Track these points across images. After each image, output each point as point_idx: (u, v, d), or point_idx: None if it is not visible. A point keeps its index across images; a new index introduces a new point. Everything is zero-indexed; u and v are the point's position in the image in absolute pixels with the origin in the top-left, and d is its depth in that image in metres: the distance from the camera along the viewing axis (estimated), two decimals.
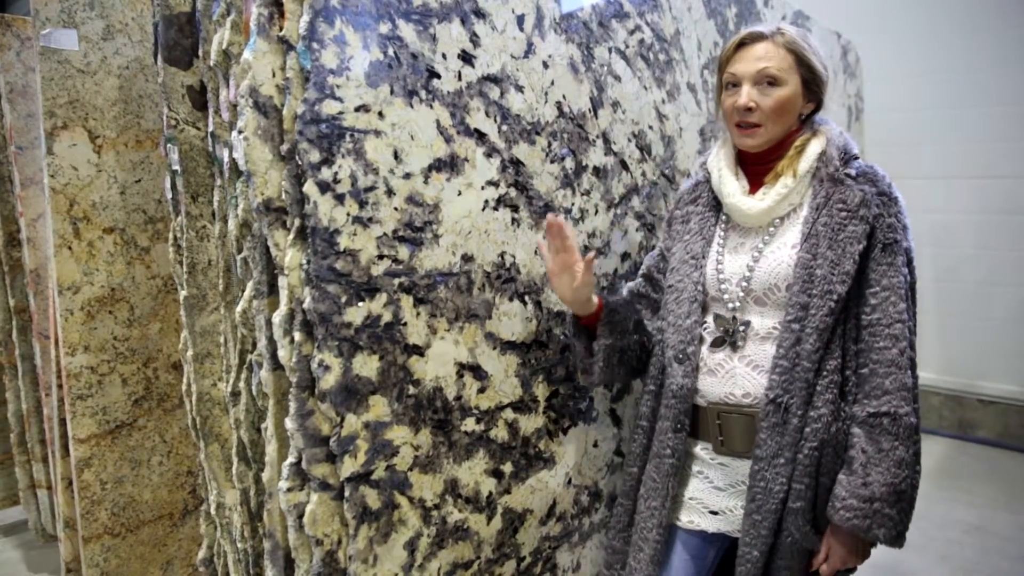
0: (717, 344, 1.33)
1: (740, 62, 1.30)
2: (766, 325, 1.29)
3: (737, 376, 1.31)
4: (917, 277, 1.29)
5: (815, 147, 1.30)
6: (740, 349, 1.31)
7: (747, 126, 1.30)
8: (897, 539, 1.20)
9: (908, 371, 1.21)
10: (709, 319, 1.36)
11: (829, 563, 1.25)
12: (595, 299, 1.42)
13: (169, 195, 1.59)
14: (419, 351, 1.31)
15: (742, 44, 1.31)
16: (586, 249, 1.66)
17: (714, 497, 1.36)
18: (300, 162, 1.14)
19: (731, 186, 1.35)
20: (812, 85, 1.31)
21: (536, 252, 1.52)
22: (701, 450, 1.38)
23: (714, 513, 1.35)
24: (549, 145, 1.53)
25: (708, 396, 1.33)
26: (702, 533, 1.37)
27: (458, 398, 1.39)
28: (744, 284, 1.31)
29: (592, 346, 1.45)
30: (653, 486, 1.38)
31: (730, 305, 1.32)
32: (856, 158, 1.31)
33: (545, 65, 1.52)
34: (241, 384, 1.41)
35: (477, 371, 1.42)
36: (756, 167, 1.36)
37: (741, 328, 1.31)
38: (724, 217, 1.39)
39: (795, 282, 1.25)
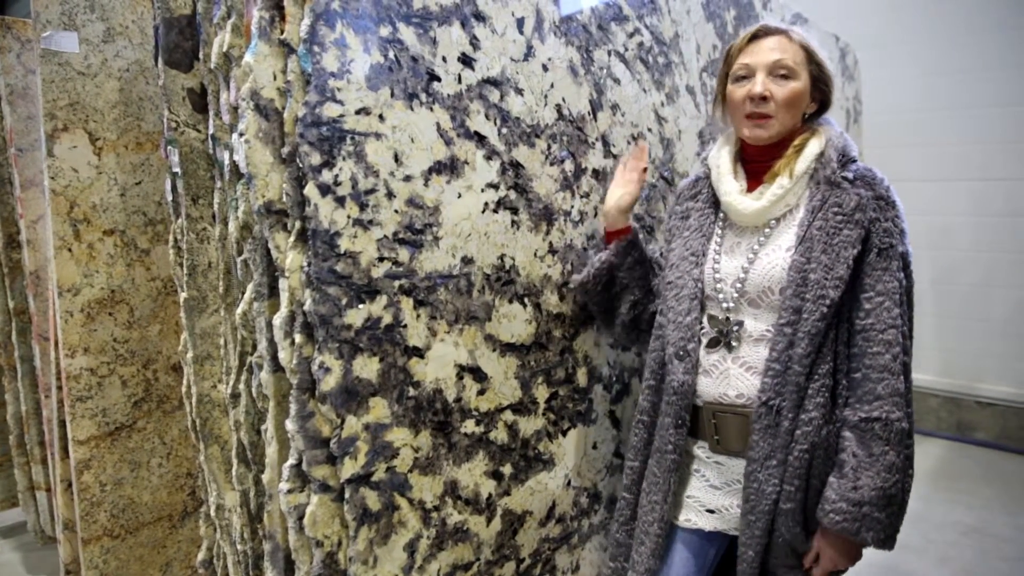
0: (712, 345, 1.33)
1: (754, 54, 1.29)
2: (759, 327, 1.30)
3: (731, 377, 1.31)
4: (915, 281, 1.28)
5: (813, 147, 1.30)
6: (735, 350, 1.31)
7: (759, 116, 1.29)
8: (886, 542, 1.21)
9: (901, 376, 1.21)
10: (705, 318, 1.37)
11: (820, 565, 1.26)
12: (630, 222, 1.60)
13: (169, 197, 1.59)
14: (419, 353, 1.31)
15: (755, 37, 1.31)
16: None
17: (710, 495, 1.37)
18: (301, 165, 1.14)
19: (728, 184, 1.35)
20: (820, 84, 1.32)
21: (536, 255, 1.52)
22: (698, 448, 1.39)
23: (711, 512, 1.36)
24: (549, 148, 1.54)
25: (704, 396, 1.34)
26: (700, 531, 1.38)
27: (458, 400, 1.39)
28: (739, 286, 1.31)
29: (599, 255, 1.59)
30: (654, 480, 1.39)
31: (724, 305, 1.33)
32: (854, 161, 1.30)
33: (545, 68, 1.52)
34: (241, 386, 1.42)
35: (477, 373, 1.42)
36: (756, 165, 1.36)
37: (735, 329, 1.31)
38: (723, 215, 1.39)
39: (788, 285, 1.25)
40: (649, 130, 1.85)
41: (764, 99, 1.27)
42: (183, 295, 1.57)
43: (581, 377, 1.68)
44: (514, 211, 1.47)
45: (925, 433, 3.97)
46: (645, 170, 1.62)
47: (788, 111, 1.29)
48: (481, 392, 1.43)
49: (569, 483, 1.67)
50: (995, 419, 3.79)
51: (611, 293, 1.59)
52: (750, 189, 1.35)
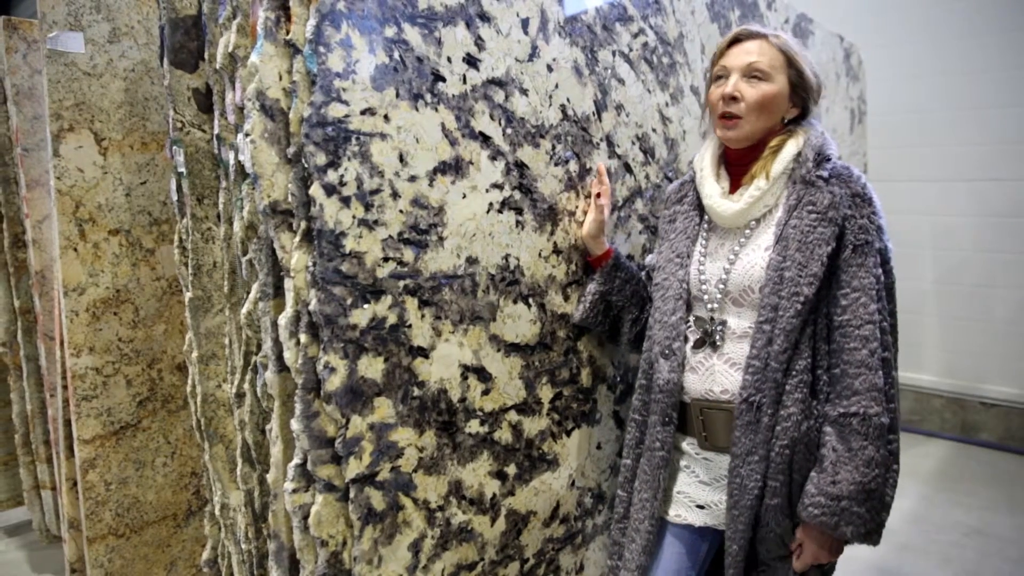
0: (698, 345, 1.36)
1: (731, 56, 1.33)
2: (742, 325, 1.32)
3: (716, 373, 1.34)
4: (895, 277, 1.29)
5: (790, 148, 1.31)
6: (720, 348, 1.33)
7: (729, 117, 1.31)
8: (868, 536, 1.22)
9: (879, 371, 1.22)
10: (692, 319, 1.39)
11: (801, 558, 1.28)
12: (607, 245, 1.59)
13: (174, 197, 1.59)
14: (424, 353, 1.31)
15: (736, 40, 1.34)
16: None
17: (700, 491, 1.39)
18: (306, 165, 1.14)
19: (710, 187, 1.38)
20: (800, 90, 1.33)
21: (541, 255, 1.53)
22: (687, 445, 1.41)
23: (700, 507, 1.38)
24: (553, 148, 1.54)
25: (691, 392, 1.37)
26: (690, 527, 1.39)
27: (462, 400, 1.39)
28: (721, 286, 1.34)
29: (588, 286, 1.58)
30: (645, 479, 1.42)
31: (709, 306, 1.35)
32: (829, 159, 1.31)
33: (549, 68, 1.52)
34: (246, 385, 1.42)
35: (481, 373, 1.42)
36: (737, 167, 1.38)
37: (719, 328, 1.33)
38: (707, 217, 1.42)
39: (766, 284, 1.27)
40: (653, 130, 1.85)
41: (734, 99, 1.30)
42: (188, 295, 1.57)
43: (585, 377, 1.68)
44: (519, 211, 1.47)
45: (928, 434, 3.97)
46: (599, 195, 1.57)
47: (758, 113, 1.30)
48: (485, 392, 1.44)
49: (573, 483, 1.68)
50: (999, 420, 3.78)
51: (611, 317, 1.61)
52: (732, 191, 1.37)
